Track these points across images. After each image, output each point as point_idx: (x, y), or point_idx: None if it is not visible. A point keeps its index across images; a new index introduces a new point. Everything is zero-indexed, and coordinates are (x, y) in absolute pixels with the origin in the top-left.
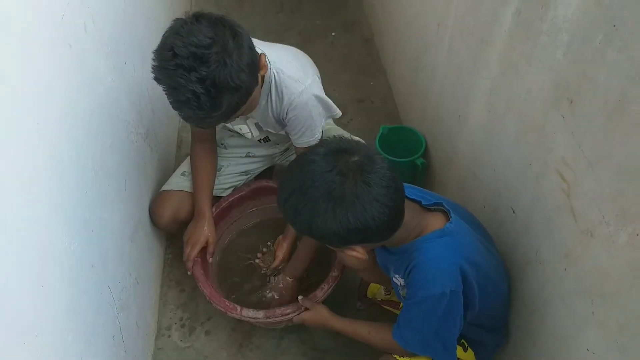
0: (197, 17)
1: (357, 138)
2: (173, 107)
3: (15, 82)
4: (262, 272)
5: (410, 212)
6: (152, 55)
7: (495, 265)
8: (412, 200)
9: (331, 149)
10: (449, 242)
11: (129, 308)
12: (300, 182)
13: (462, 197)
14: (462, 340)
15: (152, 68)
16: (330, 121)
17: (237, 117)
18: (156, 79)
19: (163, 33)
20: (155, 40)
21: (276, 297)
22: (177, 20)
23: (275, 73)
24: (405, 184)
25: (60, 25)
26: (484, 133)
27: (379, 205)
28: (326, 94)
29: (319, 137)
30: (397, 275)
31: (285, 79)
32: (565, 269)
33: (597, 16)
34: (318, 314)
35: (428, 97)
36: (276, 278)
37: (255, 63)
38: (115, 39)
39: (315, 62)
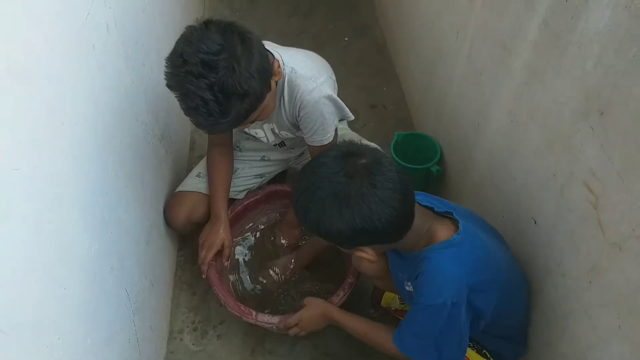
0: (207, 24)
1: (373, 144)
2: (185, 114)
3: (41, 82)
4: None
5: (421, 218)
6: (164, 62)
7: (512, 274)
8: (425, 206)
9: (341, 152)
10: (455, 253)
11: (143, 311)
12: (309, 183)
13: (479, 205)
14: (484, 351)
15: (165, 75)
16: (346, 126)
17: (251, 123)
18: (168, 85)
19: (178, 35)
20: (171, 42)
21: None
22: (188, 28)
23: (288, 72)
24: (420, 192)
25: (84, 26)
26: (505, 142)
27: (385, 207)
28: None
29: (332, 136)
30: (408, 283)
31: (296, 78)
32: (590, 282)
33: (632, 29)
34: (317, 304)
35: (444, 104)
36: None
37: (267, 69)
38: (134, 39)
39: None
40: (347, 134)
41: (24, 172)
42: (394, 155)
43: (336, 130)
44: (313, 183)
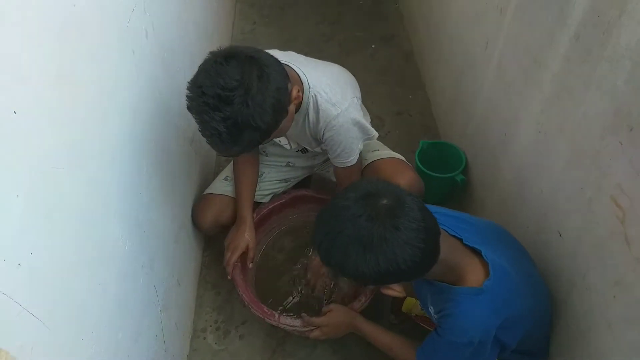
0: (228, 59)
1: (397, 154)
2: (201, 135)
3: (86, 84)
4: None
5: (449, 249)
6: (197, 67)
7: (539, 299)
8: (453, 236)
9: (361, 193)
10: (487, 301)
11: (170, 308)
12: (331, 228)
13: (503, 216)
14: None
15: (186, 97)
16: None
17: (267, 142)
18: (188, 108)
19: (210, 41)
20: (203, 48)
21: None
22: (210, 56)
23: (314, 95)
24: (446, 210)
25: (125, 32)
26: (533, 154)
27: (409, 248)
28: (364, 106)
29: (355, 159)
30: (431, 307)
31: (322, 102)
32: (614, 296)
33: None
34: (344, 312)
35: (471, 114)
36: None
37: (282, 102)
38: (170, 45)
39: (355, 74)
40: (371, 143)
41: (67, 171)
42: (419, 164)
43: (360, 153)
44: (335, 227)
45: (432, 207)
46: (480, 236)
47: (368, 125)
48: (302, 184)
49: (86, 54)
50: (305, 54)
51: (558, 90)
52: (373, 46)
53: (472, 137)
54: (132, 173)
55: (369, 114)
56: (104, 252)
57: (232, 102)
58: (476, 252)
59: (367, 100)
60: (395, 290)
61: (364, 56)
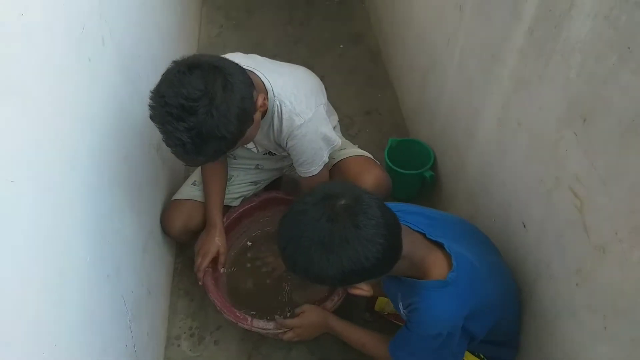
0: (191, 67)
1: (364, 152)
2: (165, 144)
3: (37, 94)
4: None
5: (413, 244)
6: (160, 74)
7: (505, 289)
8: (416, 231)
9: (319, 196)
10: (451, 292)
11: (140, 318)
12: (292, 234)
13: (471, 210)
14: (480, 355)
15: (149, 107)
16: (339, 133)
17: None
18: (151, 117)
19: (176, 46)
20: (167, 53)
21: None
22: (173, 66)
23: (279, 104)
24: (409, 206)
25: (80, 39)
26: (495, 148)
27: (371, 245)
28: (334, 106)
29: (318, 170)
30: (401, 303)
31: (286, 112)
32: (577, 284)
33: (612, 38)
34: (316, 313)
35: (437, 111)
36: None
37: (247, 111)
38: (131, 52)
39: (324, 74)
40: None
41: (20, 183)
42: (388, 161)
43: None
44: (295, 233)
45: (395, 205)
46: (443, 230)
47: (332, 135)
48: (273, 185)
49: (35, 63)
50: (274, 56)
51: (515, 85)
52: (341, 46)
53: (439, 133)
54: (92, 183)
55: (339, 113)
56: (63, 263)
57: (196, 112)
58: (440, 246)
59: (337, 100)
60: (363, 290)
61: (332, 56)
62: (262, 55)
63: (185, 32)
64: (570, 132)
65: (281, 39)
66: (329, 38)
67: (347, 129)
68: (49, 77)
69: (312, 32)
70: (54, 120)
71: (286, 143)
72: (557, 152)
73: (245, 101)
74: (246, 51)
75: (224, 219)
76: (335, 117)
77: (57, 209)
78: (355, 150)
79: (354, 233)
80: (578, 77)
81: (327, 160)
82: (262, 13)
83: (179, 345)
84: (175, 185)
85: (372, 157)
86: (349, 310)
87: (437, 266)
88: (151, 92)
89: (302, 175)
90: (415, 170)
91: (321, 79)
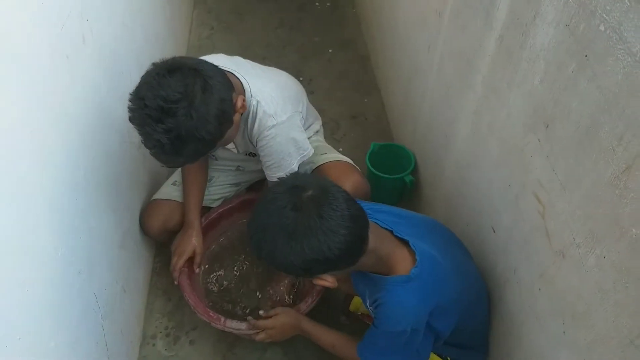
0: (170, 70)
1: (345, 157)
2: (144, 146)
3: (11, 90)
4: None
5: (380, 240)
6: (144, 73)
7: (470, 288)
8: (384, 228)
9: (288, 186)
10: (414, 287)
11: (113, 315)
12: (260, 221)
13: (448, 215)
14: (448, 358)
15: (128, 109)
16: (321, 138)
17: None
18: (130, 119)
19: (162, 44)
20: (153, 53)
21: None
22: (152, 68)
23: (255, 104)
24: (382, 206)
25: (58, 37)
26: (469, 153)
27: (333, 235)
28: (321, 110)
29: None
30: (368, 300)
31: (260, 112)
32: (540, 289)
33: (571, 46)
34: (289, 315)
35: (418, 116)
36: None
37: (226, 112)
38: (112, 50)
39: (312, 78)
40: (320, 146)
41: None
42: (369, 165)
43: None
44: (263, 219)
45: (368, 204)
46: (411, 228)
47: (304, 144)
48: (255, 187)
49: (10, 60)
50: (263, 59)
51: (487, 91)
52: (330, 51)
53: (420, 139)
54: (66, 179)
55: (325, 117)
56: (29, 255)
57: (175, 114)
58: (406, 244)
59: (323, 103)
60: (327, 281)
61: (321, 61)
62: (251, 58)
63: (175, 33)
64: (535, 137)
65: (271, 43)
66: (319, 42)
67: (332, 132)
68: (24, 74)
69: (302, 36)
70: (29, 116)
71: (256, 143)
72: (523, 158)
73: (225, 103)
74: (235, 54)
75: (203, 220)
76: (319, 121)
77: (27, 202)
78: (336, 156)
79: (318, 223)
80: (541, 83)
81: (296, 169)
82: (254, 17)
83: (154, 345)
84: (156, 183)
85: (353, 163)
86: (325, 313)
87: (402, 262)
88: (130, 94)
89: (269, 180)
90: (396, 175)
91: (309, 83)
